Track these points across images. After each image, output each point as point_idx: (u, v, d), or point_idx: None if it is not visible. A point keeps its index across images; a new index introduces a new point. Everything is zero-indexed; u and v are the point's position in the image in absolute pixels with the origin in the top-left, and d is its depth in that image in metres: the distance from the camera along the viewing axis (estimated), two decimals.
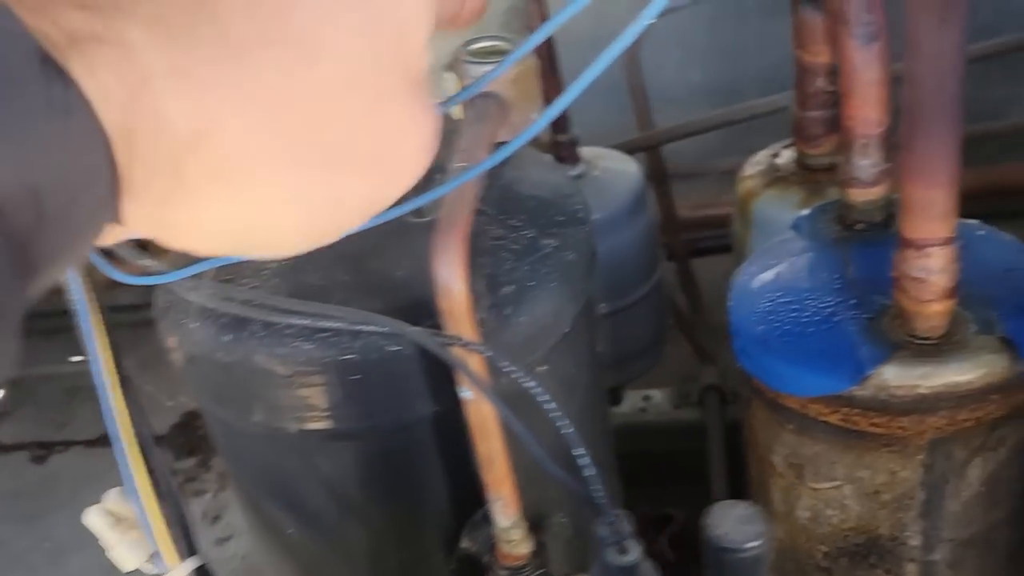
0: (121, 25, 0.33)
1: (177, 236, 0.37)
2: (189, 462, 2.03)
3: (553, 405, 0.75)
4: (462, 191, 0.90)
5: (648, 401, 1.87)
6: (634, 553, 0.73)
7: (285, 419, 0.95)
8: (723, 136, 2.04)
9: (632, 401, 1.88)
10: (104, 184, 0.33)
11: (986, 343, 0.93)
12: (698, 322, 2.01)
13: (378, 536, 1.03)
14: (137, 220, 0.35)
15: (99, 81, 0.32)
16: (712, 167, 2.14)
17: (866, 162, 1.05)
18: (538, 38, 0.71)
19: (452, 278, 0.85)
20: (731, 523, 0.62)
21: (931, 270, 0.89)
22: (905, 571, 1.02)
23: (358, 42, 0.37)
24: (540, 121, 0.74)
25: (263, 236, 0.39)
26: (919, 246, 0.89)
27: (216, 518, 1.90)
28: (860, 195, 1.06)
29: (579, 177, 1.45)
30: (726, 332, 2.03)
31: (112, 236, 0.36)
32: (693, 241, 2.04)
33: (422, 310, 0.93)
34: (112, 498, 1.03)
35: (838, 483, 0.99)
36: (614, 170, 1.49)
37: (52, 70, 0.31)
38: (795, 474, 1.02)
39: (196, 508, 1.94)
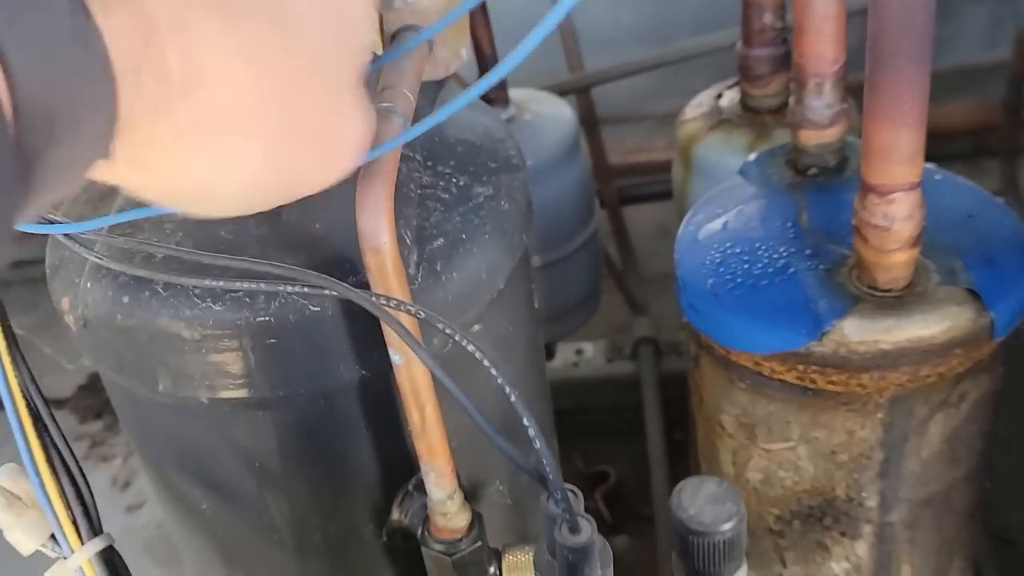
0: None
1: (151, 179, 0.40)
2: (96, 425, 1.92)
3: (494, 372, 0.67)
4: (387, 135, 0.82)
5: (580, 355, 1.81)
6: (587, 532, 0.66)
7: (194, 388, 0.86)
8: (655, 78, 1.97)
9: (564, 355, 1.82)
10: (105, 119, 0.34)
11: (950, 294, 0.87)
12: (630, 272, 1.95)
13: (301, 510, 0.95)
14: (122, 159, 0.37)
15: (113, 23, 0.34)
16: (645, 111, 2.07)
17: (820, 103, 0.98)
18: None
19: (378, 231, 0.76)
20: (701, 503, 0.55)
21: (895, 217, 0.83)
22: (861, 532, 0.97)
23: (321, 26, 0.42)
24: (487, 79, 0.66)
25: (220, 191, 0.42)
26: (882, 192, 0.83)
27: (127, 484, 1.80)
28: (813, 138, 1.00)
29: (509, 121, 1.37)
30: (659, 282, 1.99)
31: (91, 174, 0.37)
32: (624, 188, 1.97)
33: (345, 266, 0.85)
34: (6, 474, 0.93)
35: (792, 444, 0.94)
36: (546, 114, 1.41)
37: (77, 2, 0.32)
38: (746, 435, 0.96)
39: (105, 474, 1.84)
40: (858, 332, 0.85)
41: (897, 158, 0.81)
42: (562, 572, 0.68)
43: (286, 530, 0.97)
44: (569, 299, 1.49)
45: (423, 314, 0.72)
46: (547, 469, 0.66)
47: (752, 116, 1.21)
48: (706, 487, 0.56)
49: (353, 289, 0.71)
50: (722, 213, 1.01)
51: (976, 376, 0.90)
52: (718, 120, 1.23)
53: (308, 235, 0.88)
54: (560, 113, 1.42)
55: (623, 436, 1.75)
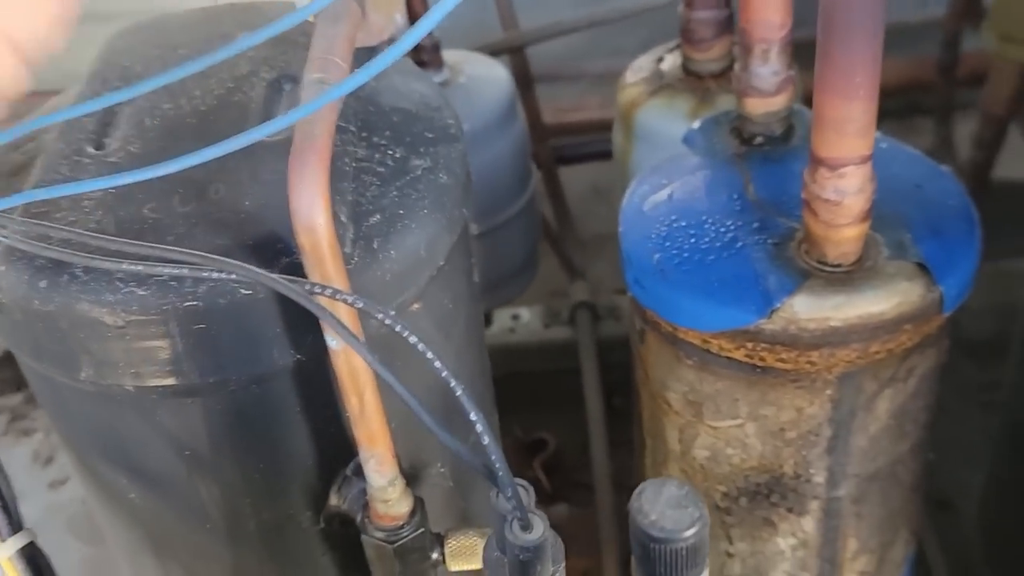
0: None
1: None
2: (15, 398, 1.85)
3: (439, 364, 0.64)
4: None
5: (517, 321, 1.78)
6: (539, 529, 0.63)
7: (119, 376, 0.81)
8: (589, 36, 1.94)
9: (501, 321, 1.79)
10: None
11: (900, 269, 0.85)
12: (566, 234, 1.92)
13: (235, 498, 0.92)
14: None
15: None
16: (579, 70, 2.03)
17: (766, 69, 0.95)
18: None
19: (313, 211, 0.72)
20: (662, 507, 0.53)
21: (846, 191, 0.81)
22: (808, 508, 0.96)
23: None
24: (415, 31, 0.62)
25: None
26: (833, 165, 0.80)
27: (49, 460, 1.74)
28: (759, 106, 0.97)
29: (443, 85, 1.32)
30: (595, 244, 1.96)
31: None
32: (559, 149, 1.93)
33: (277, 246, 0.80)
34: None
35: (740, 421, 0.92)
36: (481, 76, 1.37)
37: None
38: (693, 412, 0.94)
39: (26, 449, 1.78)
40: (808, 309, 0.84)
41: (849, 131, 0.79)
42: (513, 570, 0.65)
43: (219, 518, 0.93)
44: (507, 267, 1.45)
45: (361, 304, 0.68)
46: (496, 465, 0.64)
47: (694, 81, 1.18)
48: (667, 490, 0.53)
49: (283, 281, 0.67)
50: (667, 184, 0.98)
51: (924, 350, 0.89)
52: (659, 85, 1.20)
53: (237, 212, 0.83)
54: (495, 75, 1.38)
55: (561, 402, 1.73)
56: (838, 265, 0.85)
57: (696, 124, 1.04)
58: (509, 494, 0.63)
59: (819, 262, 0.86)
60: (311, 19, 0.91)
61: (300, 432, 0.88)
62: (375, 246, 0.84)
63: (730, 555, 1.01)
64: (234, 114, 0.92)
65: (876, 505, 0.97)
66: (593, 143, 1.98)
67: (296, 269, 0.76)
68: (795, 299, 0.84)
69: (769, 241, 0.89)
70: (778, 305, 0.84)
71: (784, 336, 0.85)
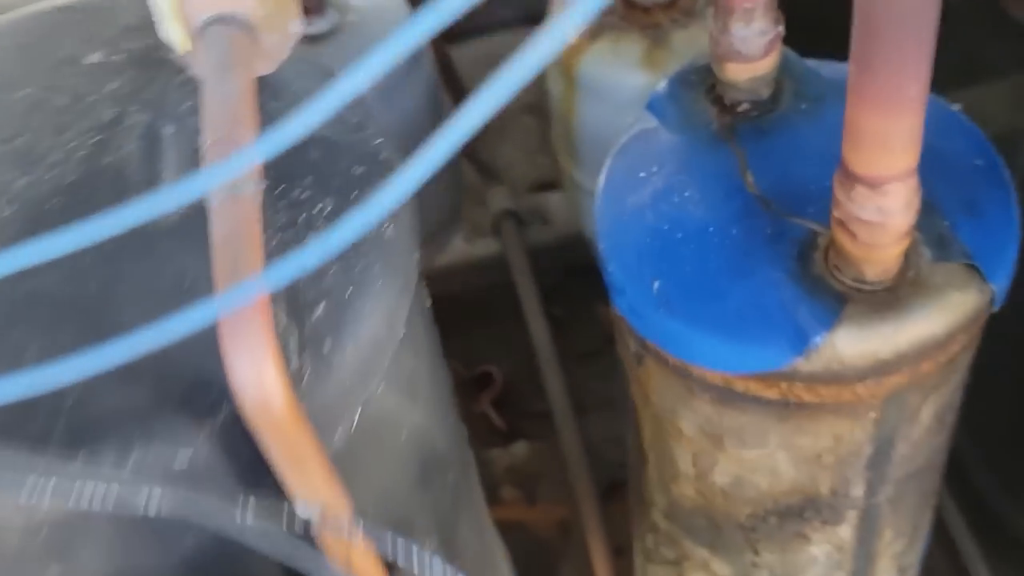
0: None
1: None
2: None
3: None
4: (241, 215, 0.60)
5: None
6: None
7: None
8: None
9: None
10: None
11: (948, 276, 0.73)
12: None
13: None
14: None
15: None
16: None
17: (750, 31, 0.79)
18: None
19: (265, 385, 0.56)
20: None
21: (891, 211, 0.67)
22: (844, 518, 0.86)
23: None
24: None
25: None
26: (875, 184, 0.66)
27: None
28: (743, 72, 0.81)
29: (332, 32, 1.11)
30: (499, 126, 1.78)
31: None
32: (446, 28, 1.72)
33: (211, 393, 0.63)
34: None
35: (769, 451, 0.80)
36: (374, 10, 1.15)
37: None
38: (711, 442, 0.82)
39: None
40: (853, 344, 0.71)
41: (896, 147, 0.64)
42: None
43: None
44: (433, 223, 1.28)
45: (362, 532, 0.53)
46: None
47: (640, 16, 0.99)
48: None
49: (256, 527, 0.51)
50: (644, 177, 0.82)
51: (968, 347, 0.78)
52: (600, 25, 1.01)
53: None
54: (388, 5, 1.16)
55: (499, 321, 1.60)
56: (878, 281, 0.72)
57: (661, 86, 0.87)
58: None
59: (856, 280, 0.72)
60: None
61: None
62: (326, 350, 0.67)
63: (755, 565, 0.92)
64: (111, 185, 0.73)
65: (912, 496, 0.88)
66: (481, 13, 1.78)
67: (238, 421, 0.60)
68: (836, 334, 0.71)
69: (788, 254, 0.75)
70: (818, 342, 0.71)
71: (825, 375, 0.72)
